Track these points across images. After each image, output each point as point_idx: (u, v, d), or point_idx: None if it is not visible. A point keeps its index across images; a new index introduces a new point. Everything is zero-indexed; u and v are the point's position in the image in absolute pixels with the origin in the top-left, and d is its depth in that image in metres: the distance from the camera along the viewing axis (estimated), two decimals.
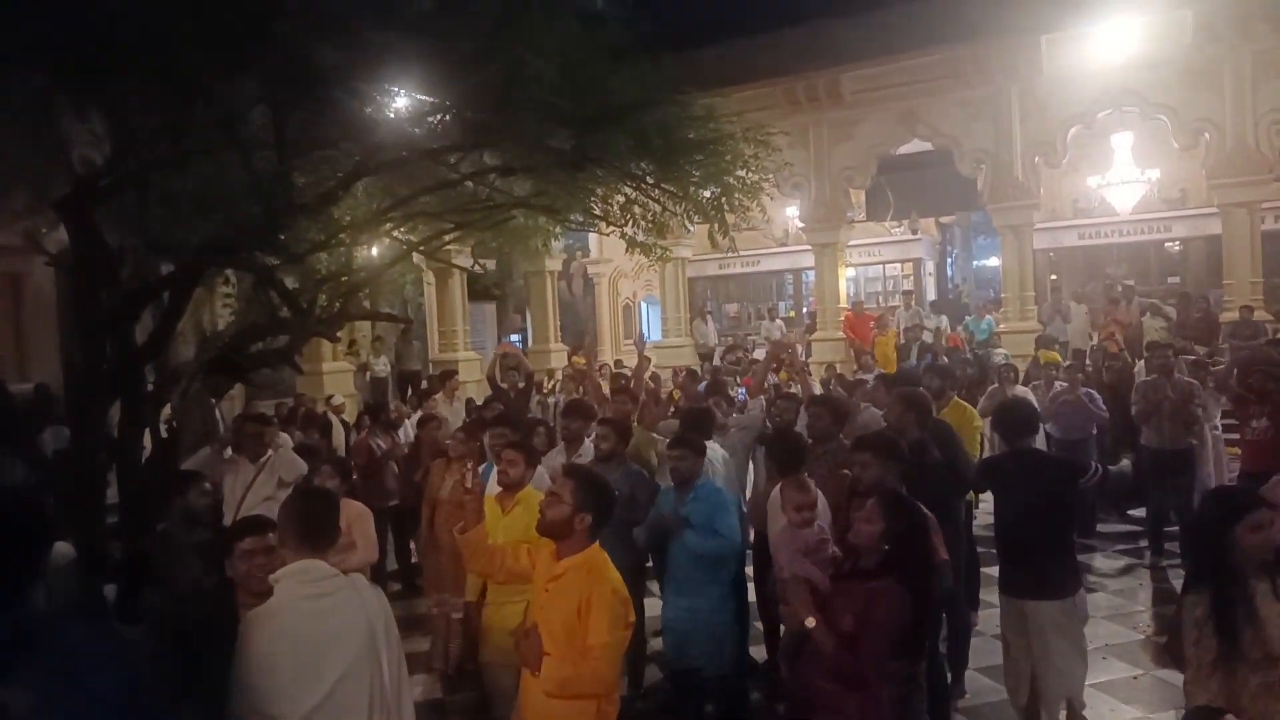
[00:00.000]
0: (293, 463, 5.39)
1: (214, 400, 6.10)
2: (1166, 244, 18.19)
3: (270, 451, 5.56)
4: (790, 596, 3.49)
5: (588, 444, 5.27)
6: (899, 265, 21.71)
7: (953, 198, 16.92)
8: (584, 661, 2.83)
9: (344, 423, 10.22)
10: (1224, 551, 2.64)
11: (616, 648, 2.88)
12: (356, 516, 4.26)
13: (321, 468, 4.66)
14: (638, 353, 7.46)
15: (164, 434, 6.53)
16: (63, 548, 4.11)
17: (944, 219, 21.61)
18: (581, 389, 8.34)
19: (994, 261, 19.87)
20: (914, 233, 20.56)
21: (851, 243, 17.40)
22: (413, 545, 7.08)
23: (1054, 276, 18.75)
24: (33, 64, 5.25)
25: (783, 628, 4.59)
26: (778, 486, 4.41)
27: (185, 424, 6.09)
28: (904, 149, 15.38)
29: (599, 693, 2.91)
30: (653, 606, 5.13)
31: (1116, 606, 6.63)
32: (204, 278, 6.51)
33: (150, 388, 6.23)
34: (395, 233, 7.24)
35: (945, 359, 12.05)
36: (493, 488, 4.35)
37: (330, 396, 11.39)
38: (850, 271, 18.57)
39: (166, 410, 6.59)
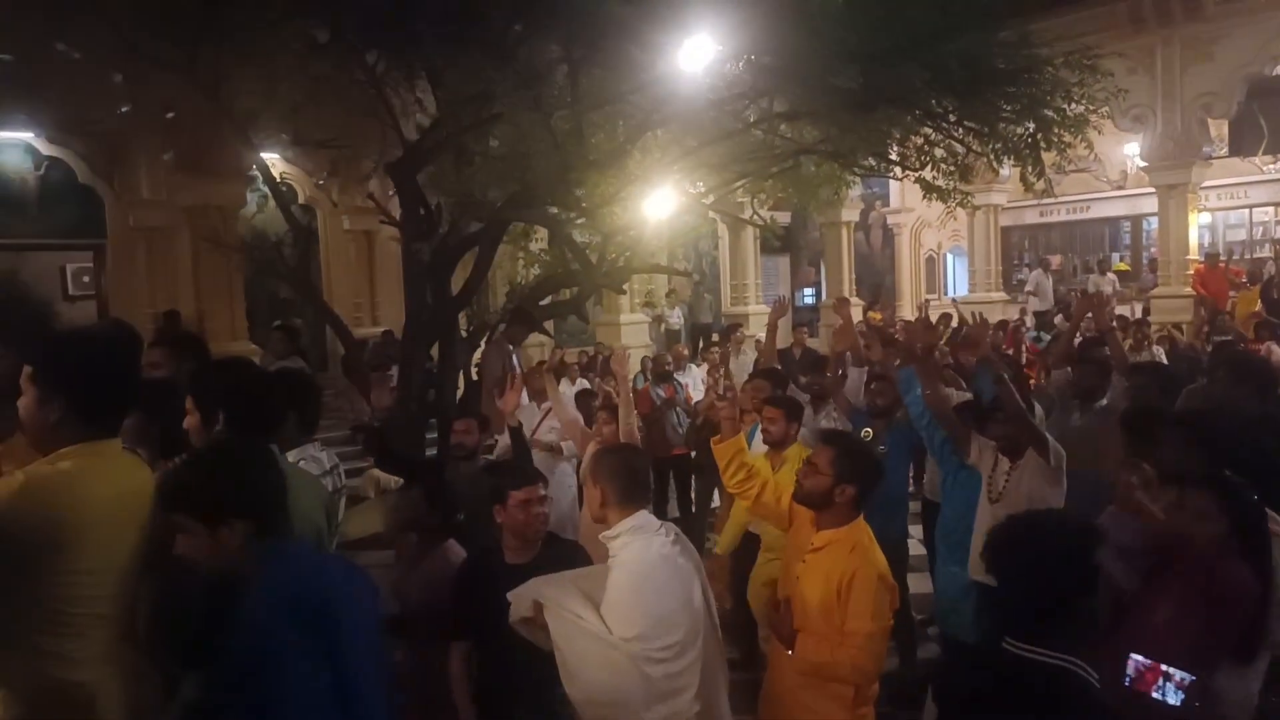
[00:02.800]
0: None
1: (511, 347, 6.55)
2: None
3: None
4: None
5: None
6: (1270, 209, 18.24)
7: None
8: (841, 648, 2.63)
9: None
10: None
11: (878, 637, 2.63)
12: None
13: (599, 413, 4.84)
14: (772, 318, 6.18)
15: (474, 377, 7.18)
16: None
17: None
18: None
19: None
20: None
21: (1207, 184, 14.86)
22: (693, 495, 7.19)
23: None
24: (367, 41, 5.88)
25: None
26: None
27: (488, 369, 6.61)
28: None
29: (857, 681, 2.70)
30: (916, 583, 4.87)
31: None
32: (510, 233, 7.01)
33: (464, 334, 6.86)
34: (683, 184, 7.27)
35: None
36: (759, 446, 4.21)
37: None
38: (1205, 217, 15.92)
39: (477, 355, 7.24)
